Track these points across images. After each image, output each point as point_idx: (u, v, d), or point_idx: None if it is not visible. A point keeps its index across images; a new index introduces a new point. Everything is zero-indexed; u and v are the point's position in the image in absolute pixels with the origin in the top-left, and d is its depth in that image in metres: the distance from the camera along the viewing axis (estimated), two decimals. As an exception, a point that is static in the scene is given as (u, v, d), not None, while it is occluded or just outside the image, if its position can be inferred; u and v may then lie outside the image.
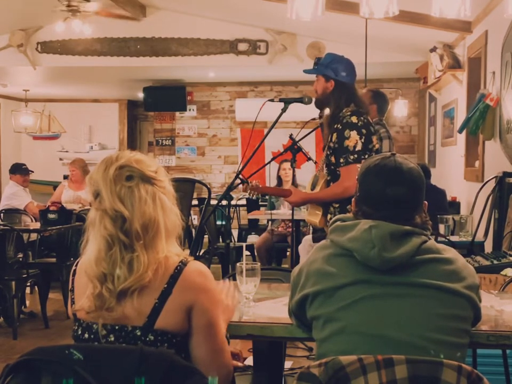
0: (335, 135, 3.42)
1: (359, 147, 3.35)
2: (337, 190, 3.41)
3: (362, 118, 3.40)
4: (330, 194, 3.47)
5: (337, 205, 3.45)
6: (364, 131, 3.37)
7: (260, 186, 3.85)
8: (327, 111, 3.55)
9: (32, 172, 7.26)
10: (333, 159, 3.44)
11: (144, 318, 1.65)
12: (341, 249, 1.75)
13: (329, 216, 3.49)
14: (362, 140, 3.36)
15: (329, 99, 3.47)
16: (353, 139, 3.35)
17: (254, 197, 3.99)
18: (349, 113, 3.40)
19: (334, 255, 1.75)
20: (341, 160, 3.38)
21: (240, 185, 3.87)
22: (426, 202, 1.82)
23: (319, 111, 3.66)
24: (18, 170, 7.05)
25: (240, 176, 3.77)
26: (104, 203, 1.67)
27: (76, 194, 7.17)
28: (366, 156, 3.33)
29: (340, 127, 3.39)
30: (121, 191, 1.67)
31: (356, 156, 3.34)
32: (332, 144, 3.43)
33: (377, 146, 3.43)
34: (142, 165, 1.72)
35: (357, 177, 1.86)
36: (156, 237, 1.69)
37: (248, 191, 3.82)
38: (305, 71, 3.63)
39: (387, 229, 1.70)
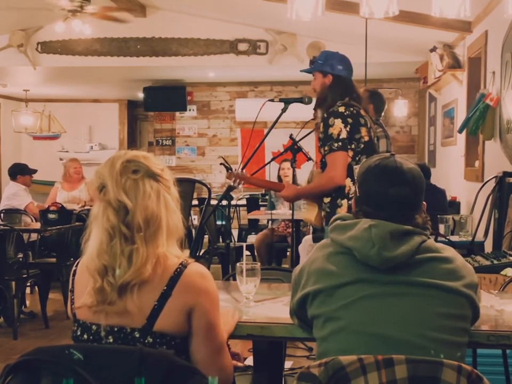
0: (322, 124, 3.34)
1: (343, 135, 3.24)
2: (323, 180, 3.32)
3: (351, 109, 3.31)
4: (317, 186, 3.38)
5: (327, 200, 3.34)
6: (349, 120, 3.27)
7: (247, 176, 3.65)
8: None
9: (36, 170, 7.22)
10: (322, 150, 3.36)
11: (143, 320, 1.65)
12: (341, 247, 1.75)
13: (323, 213, 3.40)
14: (348, 129, 3.25)
15: (327, 94, 3.40)
16: (337, 127, 3.25)
17: (239, 186, 3.69)
18: (339, 104, 3.33)
19: (335, 254, 1.76)
20: (326, 148, 3.28)
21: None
22: (425, 203, 1.83)
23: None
24: (26, 171, 6.93)
25: (224, 162, 3.68)
26: (108, 194, 1.68)
27: (69, 195, 7.16)
28: (353, 146, 3.26)
29: (326, 115, 3.32)
30: (127, 184, 1.69)
31: (340, 143, 3.23)
32: (321, 135, 3.35)
33: (366, 138, 3.32)
34: (149, 161, 1.75)
35: (356, 177, 1.87)
36: (157, 232, 1.70)
37: (232, 179, 3.57)
38: (303, 71, 3.61)
39: (387, 228, 1.70)
